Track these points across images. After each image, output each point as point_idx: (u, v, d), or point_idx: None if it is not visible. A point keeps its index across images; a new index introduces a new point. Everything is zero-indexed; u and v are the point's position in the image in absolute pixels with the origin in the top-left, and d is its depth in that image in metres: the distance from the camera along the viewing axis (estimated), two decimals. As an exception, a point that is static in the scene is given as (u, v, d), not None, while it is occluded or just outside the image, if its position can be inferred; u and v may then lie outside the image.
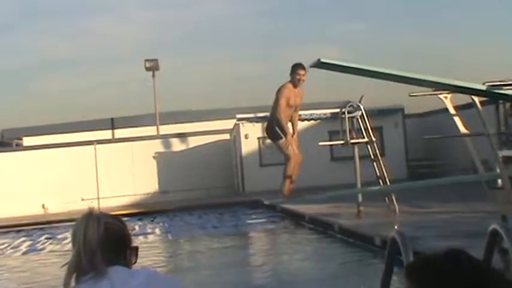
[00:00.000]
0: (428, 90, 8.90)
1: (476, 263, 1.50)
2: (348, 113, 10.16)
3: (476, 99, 7.42)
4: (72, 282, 2.12)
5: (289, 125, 12.98)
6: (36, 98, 38.38)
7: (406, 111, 17.16)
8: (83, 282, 2.08)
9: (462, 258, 1.50)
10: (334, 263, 7.82)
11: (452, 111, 9.59)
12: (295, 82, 13.03)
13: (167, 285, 2.14)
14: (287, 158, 12.91)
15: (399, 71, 6.48)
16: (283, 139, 12.87)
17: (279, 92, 12.97)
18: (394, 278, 3.49)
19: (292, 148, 12.85)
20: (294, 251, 9.17)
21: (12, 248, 11.47)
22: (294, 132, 13.21)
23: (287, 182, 12.82)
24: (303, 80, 13.06)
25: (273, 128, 13.03)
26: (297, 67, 13.05)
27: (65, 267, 2.13)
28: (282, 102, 12.80)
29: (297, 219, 11.14)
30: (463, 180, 10.61)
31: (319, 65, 6.11)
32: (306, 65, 13.00)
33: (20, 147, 20.92)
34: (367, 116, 10.22)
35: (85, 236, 2.11)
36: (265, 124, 13.63)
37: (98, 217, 2.17)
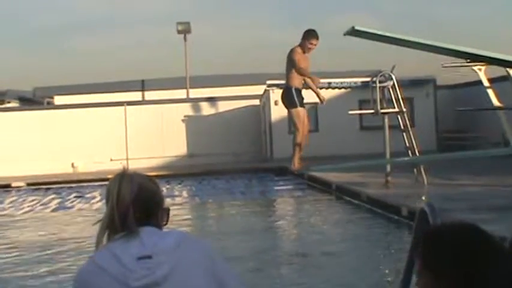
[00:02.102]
0: (461, 62, 8.79)
1: (490, 236, 1.53)
2: (379, 82, 10.07)
3: (512, 72, 7.32)
4: (104, 240, 2.14)
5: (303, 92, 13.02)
6: (69, 58, 38.63)
7: (438, 83, 16.96)
8: (114, 241, 2.10)
9: (476, 231, 1.53)
10: (359, 233, 7.82)
11: (486, 83, 9.49)
12: (305, 48, 12.98)
13: (197, 248, 2.15)
14: (296, 128, 12.94)
15: (432, 40, 6.40)
16: (298, 107, 12.87)
17: (291, 56, 12.93)
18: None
19: (303, 118, 12.86)
20: (320, 219, 9.19)
21: (41, 205, 11.63)
22: (319, 97, 13.19)
23: (297, 152, 12.86)
24: (313, 49, 13.01)
25: (288, 95, 13.03)
26: (311, 36, 12.99)
27: (97, 225, 2.15)
28: (298, 63, 12.75)
29: (324, 187, 11.14)
30: (494, 153, 10.53)
31: (353, 32, 6.06)
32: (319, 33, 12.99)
33: (51, 106, 21.09)
34: (398, 86, 10.12)
35: (118, 194, 2.13)
36: (281, 91, 13.63)
37: (131, 176, 2.18)
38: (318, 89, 13.38)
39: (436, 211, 2.96)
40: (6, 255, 7.26)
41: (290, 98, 13.01)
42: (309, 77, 12.97)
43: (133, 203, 2.12)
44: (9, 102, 21.40)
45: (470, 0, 35.47)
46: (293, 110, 13.03)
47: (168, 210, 2.28)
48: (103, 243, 2.12)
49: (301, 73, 12.85)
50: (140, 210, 2.13)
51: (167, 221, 2.26)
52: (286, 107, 13.35)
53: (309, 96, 13.39)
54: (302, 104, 13.00)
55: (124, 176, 2.17)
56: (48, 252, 7.27)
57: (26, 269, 6.55)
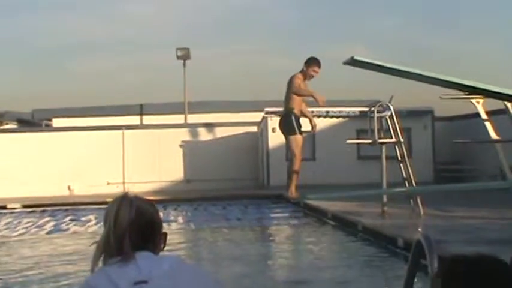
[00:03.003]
0: (460, 93, 8.82)
1: (507, 267, 1.52)
2: (377, 112, 10.10)
3: (510, 105, 7.35)
4: (99, 263, 2.13)
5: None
6: (68, 80, 38.65)
7: (436, 114, 17.01)
8: (109, 265, 2.10)
9: (498, 262, 1.51)
10: (355, 263, 7.79)
11: (484, 116, 9.52)
12: (306, 76, 13.05)
13: (193, 273, 2.14)
14: (294, 155, 12.95)
15: (432, 72, 6.42)
16: (297, 134, 12.90)
17: (291, 82, 12.99)
18: (417, 281, 3.46)
19: (301, 146, 12.89)
20: (315, 247, 9.16)
21: (36, 227, 11.59)
22: (311, 123, 13.21)
23: (294, 180, 12.86)
24: (314, 77, 13.09)
25: (287, 121, 13.05)
26: (314, 63, 13.06)
27: (93, 246, 2.15)
28: (297, 92, 12.79)
29: (320, 215, 11.12)
30: (491, 186, 10.52)
31: (352, 62, 6.08)
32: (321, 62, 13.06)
33: (49, 128, 21.11)
34: (396, 117, 10.15)
35: (116, 217, 2.13)
36: (279, 118, 13.67)
37: (131, 200, 2.18)
38: (312, 117, 13.43)
39: (432, 243, 2.95)
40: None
41: (289, 125, 13.05)
42: (311, 95, 12.91)
43: (130, 227, 2.11)
44: (7, 124, 21.42)
45: (470, 34, 35.66)
46: (292, 137, 13.05)
47: (166, 235, 2.28)
48: (98, 266, 2.12)
49: (302, 93, 12.88)
50: (137, 234, 2.12)
51: (164, 246, 2.25)
52: (283, 133, 13.37)
53: (306, 124, 13.43)
54: (300, 131, 13.03)
55: (124, 199, 2.17)
56: (41, 272, 7.22)
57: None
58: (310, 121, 13.31)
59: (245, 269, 7.56)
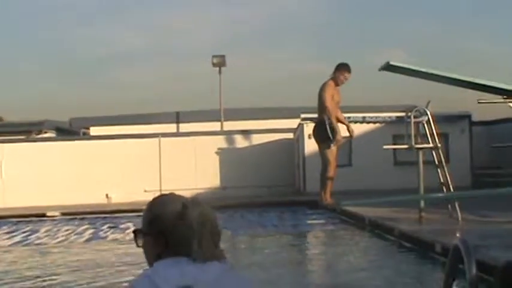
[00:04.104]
0: (497, 98, 8.75)
1: None
2: (414, 117, 10.04)
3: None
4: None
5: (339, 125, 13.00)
6: (105, 89, 39.15)
7: (473, 119, 16.86)
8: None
9: None
10: (391, 268, 7.75)
11: (522, 120, 9.41)
12: (337, 82, 13.04)
13: (238, 282, 2.13)
14: (328, 163, 12.89)
15: (469, 77, 6.39)
16: (332, 143, 12.84)
17: (322, 90, 12.98)
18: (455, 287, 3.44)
19: (335, 152, 12.86)
20: (351, 253, 9.13)
21: (76, 235, 11.73)
22: (348, 130, 13.17)
23: (329, 186, 12.82)
24: (345, 82, 13.08)
25: (321, 129, 13.00)
26: (344, 68, 13.06)
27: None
28: (329, 101, 12.78)
29: (357, 221, 11.08)
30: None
31: (388, 67, 6.08)
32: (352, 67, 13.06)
33: (87, 136, 21.35)
34: (433, 122, 10.09)
35: (203, 219, 2.13)
36: (313, 125, 13.65)
37: (199, 202, 2.18)
38: (348, 123, 13.39)
39: (470, 248, 2.94)
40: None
41: (323, 132, 13.02)
42: (344, 122, 13.04)
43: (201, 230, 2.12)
44: (46, 132, 21.71)
45: (508, 35, 35.26)
46: (325, 145, 13.02)
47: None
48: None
49: (329, 112, 12.85)
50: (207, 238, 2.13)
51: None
52: (317, 141, 13.34)
53: (343, 130, 13.41)
54: (335, 138, 12.99)
55: (194, 200, 2.18)
56: (86, 276, 7.31)
57: None
58: (348, 127, 13.27)
59: (280, 276, 7.57)
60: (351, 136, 13.48)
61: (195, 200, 2.20)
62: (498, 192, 11.17)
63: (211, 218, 2.19)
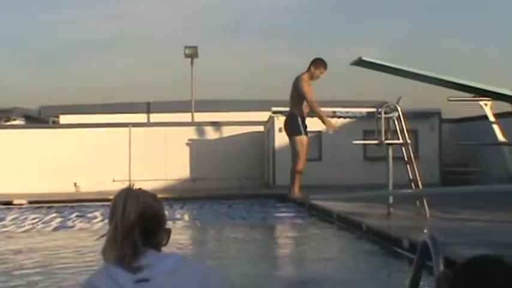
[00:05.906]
0: (468, 96, 8.81)
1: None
2: (385, 113, 10.08)
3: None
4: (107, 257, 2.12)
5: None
6: (75, 77, 38.75)
7: (443, 116, 16.97)
8: (111, 263, 2.09)
9: (503, 264, 1.51)
10: (358, 263, 7.78)
11: (491, 118, 9.51)
12: (312, 76, 13.04)
13: (195, 272, 2.13)
14: (298, 156, 12.92)
15: (440, 74, 6.42)
16: (302, 135, 12.89)
17: (299, 84, 12.97)
18: (422, 283, 3.45)
19: (306, 146, 12.88)
20: (318, 247, 9.15)
21: (43, 223, 11.61)
22: (325, 123, 13.14)
23: (298, 180, 12.86)
24: (320, 77, 13.10)
25: (293, 122, 13.03)
26: (321, 64, 13.06)
27: (102, 240, 2.14)
28: (311, 94, 12.80)
29: (325, 215, 11.11)
30: (497, 189, 10.50)
31: (360, 63, 6.08)
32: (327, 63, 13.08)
33: (56, 125, 21.14)
34: (403, 118, 10.13)
35: (123, 211, 2.11)
36: (285, 119, 13.66)
37: (137, 193, 2.17)
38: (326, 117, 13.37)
39: (438, 244, 2.95)
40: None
41: (295, 125, 13.03)
42: (322, 117, 13.01)
43: (137, 220, 2.10)
44: (14, 120, 21.46)
45: (479, 35, 35.57)
46: (297, 138, 13.03)
47: (170, 231, 2.26)
48: (112, 258, 2.09)
49: (314, 108, 12.86)
50: (141, 228, 2.11)
51: (167, 242, 2.24)
52: (288, 134, 13.35)
53: (312, 124, 13.43)
54: (306, 132, 13.02)
55: (130, 192, 2.16)
56: (45, 267, 7.23)
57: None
58: (323, 121, 13.17)
59: (247, 267, 7.56)
60: (330, 129, 13.30)
61: (126, 190, 2.18)
62: (466, 189, 11.29)
63: (148, 206, 2.17)
